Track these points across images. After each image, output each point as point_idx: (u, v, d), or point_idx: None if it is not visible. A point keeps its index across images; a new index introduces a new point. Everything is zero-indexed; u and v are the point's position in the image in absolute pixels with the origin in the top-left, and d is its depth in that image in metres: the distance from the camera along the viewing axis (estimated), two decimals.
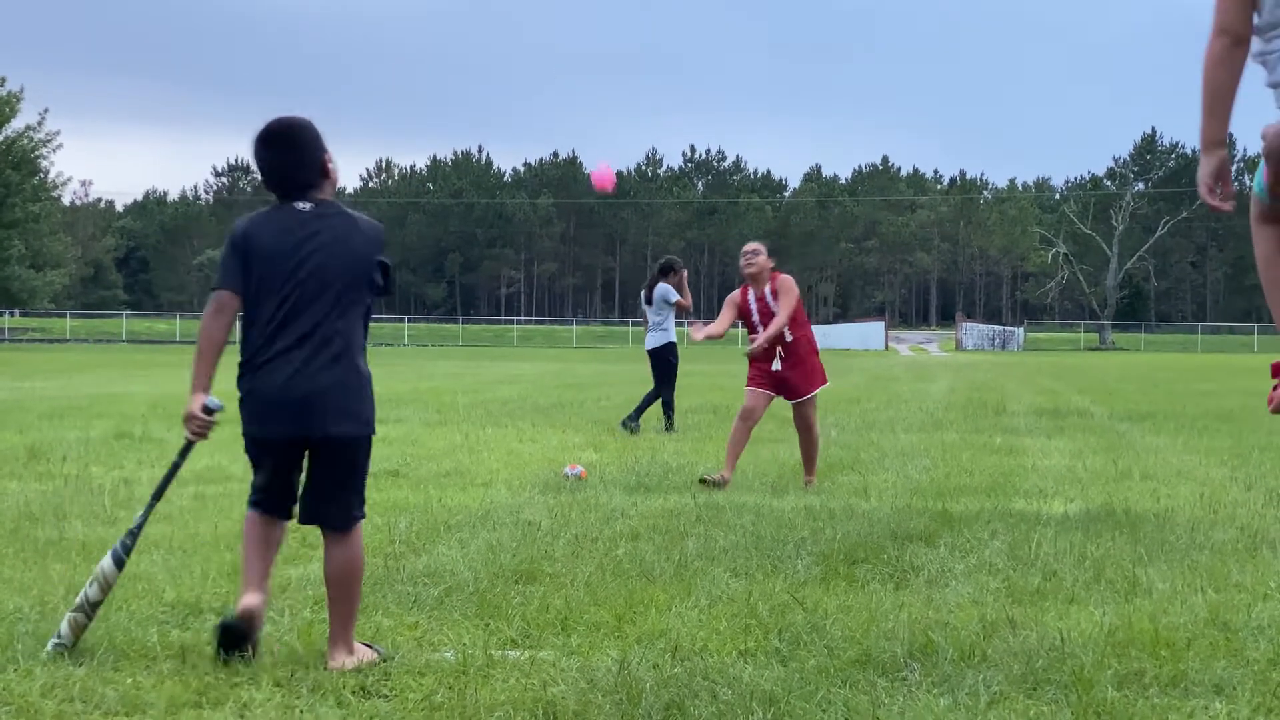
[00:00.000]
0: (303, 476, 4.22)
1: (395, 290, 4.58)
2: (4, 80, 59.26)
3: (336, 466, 4.12)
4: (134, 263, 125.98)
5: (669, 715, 3.59)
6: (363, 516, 4.24)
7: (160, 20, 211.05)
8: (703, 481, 8.39)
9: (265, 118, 4.21)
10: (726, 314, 8.89)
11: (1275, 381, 3.20)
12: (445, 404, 16.66)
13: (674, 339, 13.57)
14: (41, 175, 62.49)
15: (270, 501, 4.24)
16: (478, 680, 3.89)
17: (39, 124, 61.30)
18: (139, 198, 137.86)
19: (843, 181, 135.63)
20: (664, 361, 13.29)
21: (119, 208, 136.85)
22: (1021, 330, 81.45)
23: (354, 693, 3.80)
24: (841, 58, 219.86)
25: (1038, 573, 5.53)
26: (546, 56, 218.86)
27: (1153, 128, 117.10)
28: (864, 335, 74.14)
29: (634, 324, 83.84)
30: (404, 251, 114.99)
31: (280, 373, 4.04)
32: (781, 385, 8.74)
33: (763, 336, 8.60)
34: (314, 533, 4.46)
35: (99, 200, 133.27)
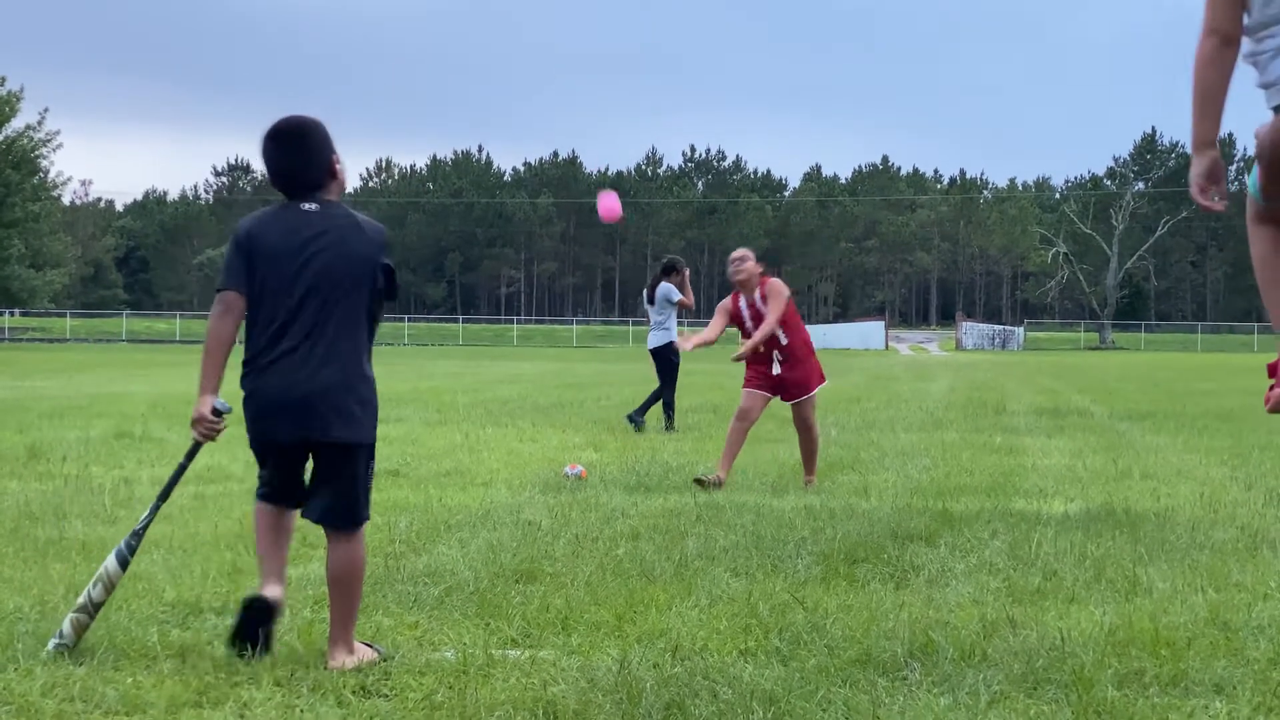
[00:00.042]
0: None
1: (397, 294, 4.54)
2: (4, 80, 59.27)
3: (338, 468, 4.12)
4: (134, 262, 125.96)
5: (669, 714, 3.59)
6: (367, 519, 4.24)
7: (160, 20, 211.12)
8: (698, 482, 8.38)
9: (265, 118, 4.22)
10: (718, 321, 8.90)
11: (1272, 381, 3.20)
12: (445, 403, 16.66)
13: (676, 338, 13.58)
14: (41, 175, 62.47)
15: (277, 494, 4.27)
16: (478, 680, 3.89)
17: (39, 123, 61.33)
18: (139, 197, 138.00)
19: (843, 181, 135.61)
20: (666, 360, 13.31)
21: (119, 207, 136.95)
22: (1021, 330, 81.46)
23: (354, 692, 3.80)
24: (841, 57, 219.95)
25: (1038, 572, 5.53)
26: (546, 56, 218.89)
27: (1153, 127, 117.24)
28: (864, 335, 74.16)
29: (634, 323, 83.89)
30: (404, 251, 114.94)
31: (282, 374, 4.04)
32: (779, 387, 8.74)
33: (749, 343, 8.61)
34: (314, 532, 4.46)
35: (99, 200, 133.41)
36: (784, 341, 8.65)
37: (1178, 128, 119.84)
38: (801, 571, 5.54)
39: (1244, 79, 3.24)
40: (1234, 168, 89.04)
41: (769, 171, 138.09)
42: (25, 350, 49.21)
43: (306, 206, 4.14)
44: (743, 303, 8.77)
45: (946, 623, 4.56)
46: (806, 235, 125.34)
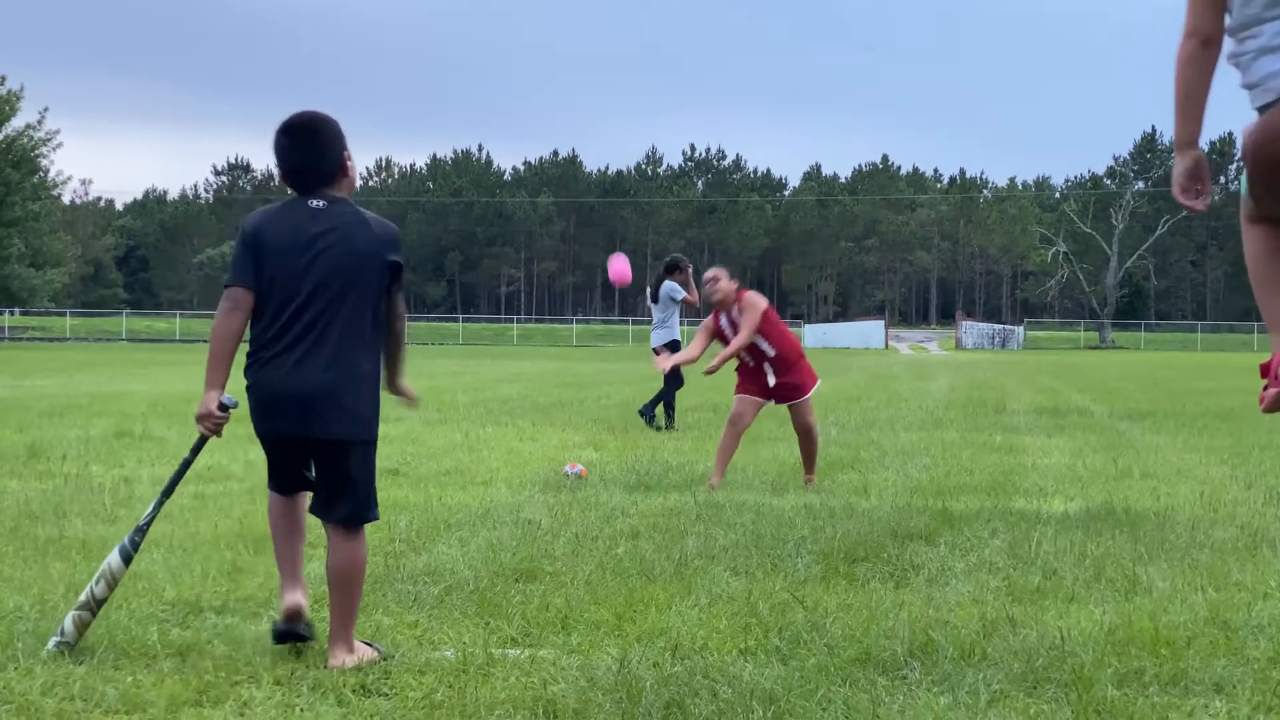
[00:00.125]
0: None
1: (402, 291, 4.52)
2: (4, 79, 59.23)
3: (336, 466, 4.12)
4: (134, 261, 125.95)
5: (669, 714, 3.59)
6: (373, 518, 4.21)
7: (160, 19, 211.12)
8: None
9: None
10: (700, 339, 8.90)
11: (1265, 382, 3.21)
12: (445, 403, 16.66)
13: (678, 336, 13.62)
14: (41, 174, 62.43)
15: (285, 486, 4.29)
16: (478, 679, 3.89)
17: (39, 123, 61.28)
18: (139, 196, 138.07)
19: (843, 180, 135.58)
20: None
21: (119, 206, 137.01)
22: (1021, 329, 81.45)
23: (354, 691, 3.80)
24: (841, 57, 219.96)
25: (1038, 571, 5.53)
26: (546, 56, 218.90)
27: (1153, 126, 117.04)
28: (864, 334, 74.20)
29: (634, 322, 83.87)
30: (404, 250, 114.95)
31: (281, 370, 4.05)
32: (774, 393, 8.73)
33: (719, 356, 8.60)
34: (314, 531, 4.46)
35: (99, 199, 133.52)
36: (771, 353, 8.63)
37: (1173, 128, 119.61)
38: (801, 570, 5.54)
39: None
40: (1234, 167, 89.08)
41: (769, 171, 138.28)
42: (25, 349, 49.21)
43: (314, 203, 4.14)
44: (724, 320, 8.76)
45: (946, 622, 4.56)
46: (806, 234, 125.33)
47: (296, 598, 4.22)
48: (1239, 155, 3.24)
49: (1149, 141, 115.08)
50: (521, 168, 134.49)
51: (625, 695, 3.69)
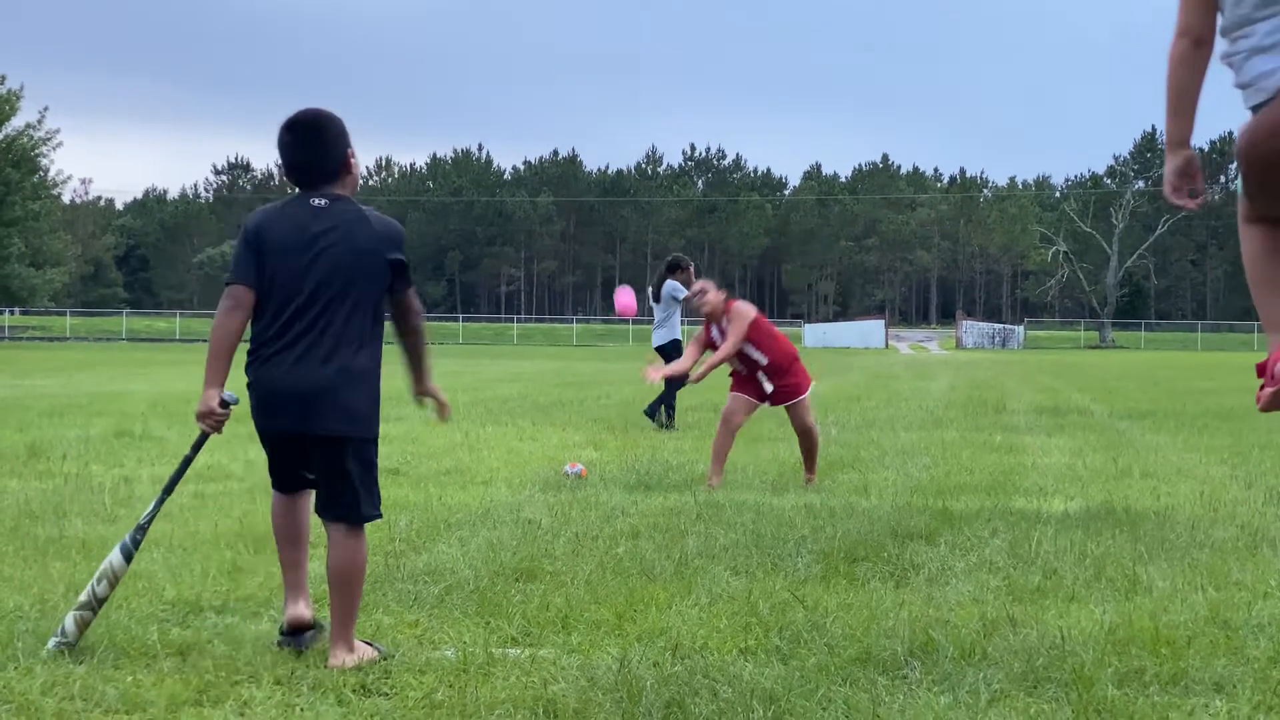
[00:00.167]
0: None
1: (413, 288, 4.49)
2: (4, 78, 59.22)
3: (334, 463, 4.12)
4: (134, 261, 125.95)
5: (669, 713, 3.59)
6: (374, 516, 4.21)
7: (160, 19, 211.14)
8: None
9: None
10: (691, 351, 8.90)
11: (1261, 381, 3.22)
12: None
13: (679, 336, 13.62)
14: (41, 173, 62.42)
15: (286, 485, 4.30)
16: (478, 678, 3.89)
17: (39, 122, 61.27)
18: (139, 196, 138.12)
19: (843, 180, 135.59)
20: (670, 358, 13.32)
21: (119, 206, 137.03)
22: (1021, 328, 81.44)
23: (354, 691, 3.80)
24: (842, 56, 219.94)
25: (1038, 571, 5.53)
26: (546, 56, 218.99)
27: (1153, 126, 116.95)
28: (864, 333, 74.18)
29: (634, 322, 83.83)
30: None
31: (281, 367, 4.06)
32: (769, 397, 8.72)
33: (706, 364, 8.60)
34: (315, 531, 4.46)
35: (99, 198, 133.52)
36: (764, 361, 8.62)
37: None
38: (801, 570, 5.54)
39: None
40: (1234, 166, 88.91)
41: (769, 170, 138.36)
42: (25, 349, 49.22)
43: (316, 201, 4.15)
44: (714, 331, 8.76)
45: (946, 621, 4.56)
46: (806, 234, 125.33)
47: (299, 610, 4.23)
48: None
49: (1149, 141, 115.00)
50: (521, 167, 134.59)
51: (625, 695, 3.69)
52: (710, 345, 8.81)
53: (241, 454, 9.65)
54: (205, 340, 4.29)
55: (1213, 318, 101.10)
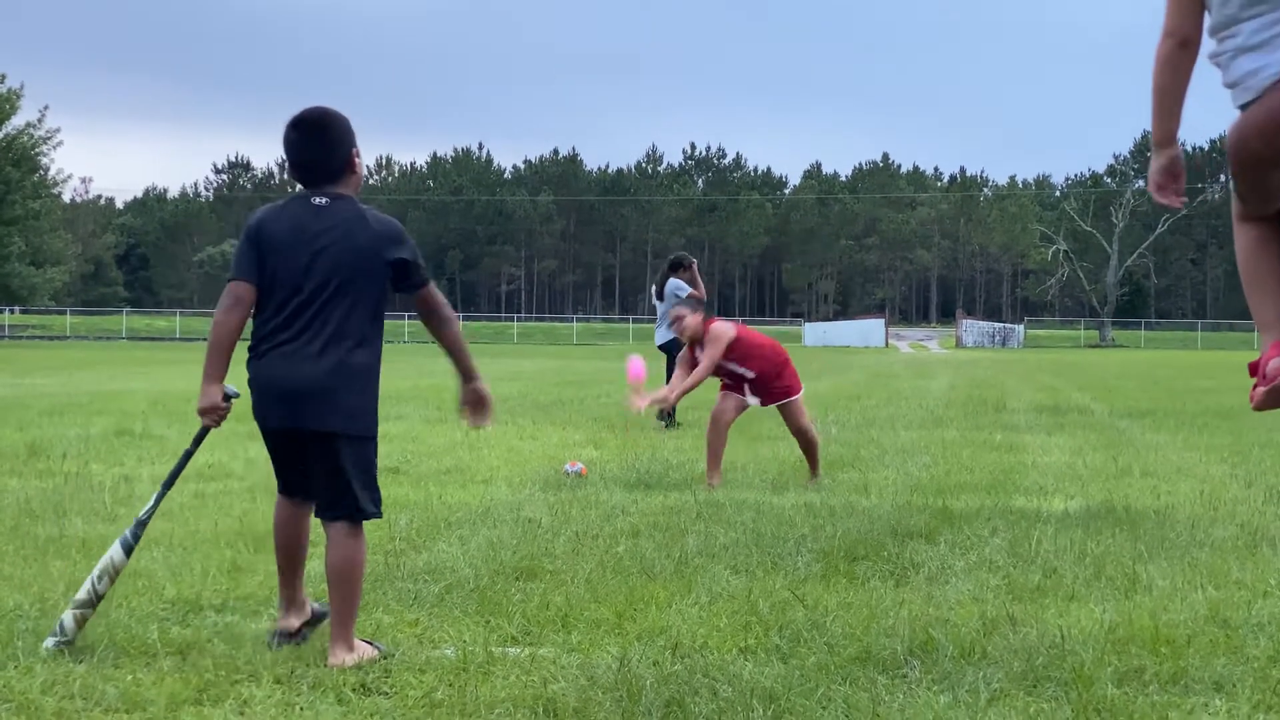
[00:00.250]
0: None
1: (419, 285, 4.44)
2: (4, 77, 59.25)
3: (330, 460, 4.12)
4: (134, 260, 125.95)
5: (669, 712, 3.59)
6: (373, 515, 4.21)
7: (160, 18, 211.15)
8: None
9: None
10: (679, 374, 8.89)
11: (1255, 380, 3.22)
12: (446, 401, 16.65)
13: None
14: (42, 172, 62.46)
15: (286, 484, 4.31)
16: (478, 677, 3.89)
17: (39, 121, 61.32)
18: (139, 195, 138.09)
19: (843, 179, 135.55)
20: (673, 355, 13.33)
21: (119, 205, 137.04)
22: (1021, 327, 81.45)
23: (354, 690, 3.80)
24: (842, 55, 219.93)
25: (1038, 570, 5.52)
26: (546, 56, 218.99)
27: None
28: (864, 332, 74.17)
29: (634, 321, 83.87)
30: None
31: (276, 363, 4.09)
32: (761, 401, 8.73)
33: (679, 390, 8.59)
34: (314, 531, 4.46)
35: (99, 197, 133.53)
36: (750, 375, 8.61)
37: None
38: (801, 569, 5.54)
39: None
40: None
41: (769, 169, 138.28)
42: (25, 348, 49.22)
43: (317, 200, 4.17)
44: (699, 353, 8.74)
45: (946, 620, 4.55)
46: (807, 233, 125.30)
47: (289, 622, 4.30)
48: None
49: (1149, 140, 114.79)
50: (522, 166, 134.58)
51: (625, 694, 3.69)
52: (695, 366, 8.79)
53: (242, 452, 9.65)
54: (205, 339, 4.30)
55: (1213, 317, 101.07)
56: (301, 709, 3.65)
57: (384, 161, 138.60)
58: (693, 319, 8.67)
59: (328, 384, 4.05)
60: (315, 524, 4.33)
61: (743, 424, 10.68)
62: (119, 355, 39.50)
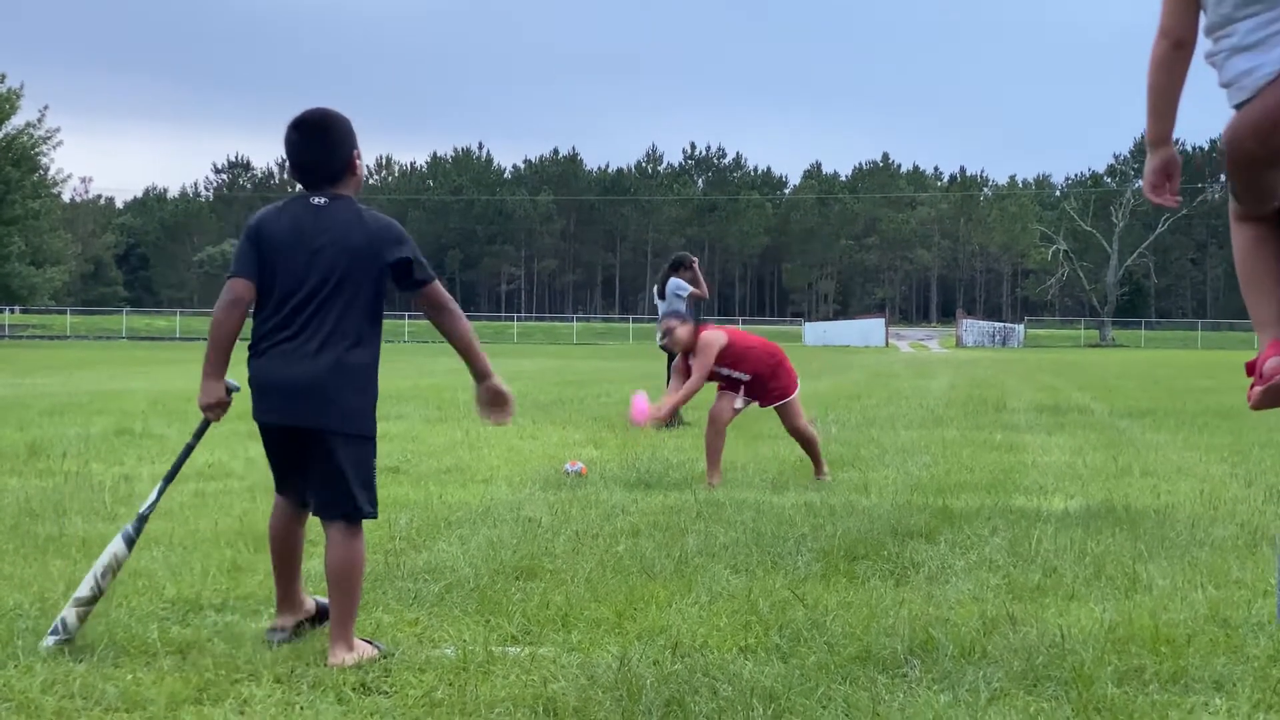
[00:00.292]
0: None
1: (420, 285, 4.42)
2: (4, 77, 59.18)
3: (326, 459, 4.12)
4: (134, 259, 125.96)
5: (669, 711, 3.59)
6: (369, 515, 4.21)
7: (160, 18, 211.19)
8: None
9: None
10: (674, 384, 8.91)
11: (1252, 380, 3.23)
12: (446, 400, 16.66)
13: None
14: (41, 172, 62.41)
15: (283, 484, 4.32)
16: (478, 676, 3.89)
17: (39, 121, 61.24)
18: (139, 194, 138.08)
19: (843, 178, 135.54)
20: (673, 357, 13.33)
21: (119, 204, 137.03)
22: (1022, 327, 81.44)
23: (354, 689, 3.80)
24: (842, 55, 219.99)
25: (1038, 569, 5.52)
26: (546, 55, 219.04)
27: None
28: (864, 332, 74.17)
29: (634, 320, 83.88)
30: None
31: (274, 362, 4.12)
32: (752, 399, 8.73)
33: (670, 405, 8.62)
34: (314, 530, 4.46)
35: (99, 197, 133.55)
36: (746, 378, 8.62)
37: (1178, 125, 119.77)
38: (801, 568, 5.54)
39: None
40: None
41: (769, 169, 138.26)
42: (25, 347, 49.23)
43: (316, 201, 4.19)
44: (692, 360, 8.74)
45: (946, 620, 4.55)
46: (807, 232, 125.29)
47: (284, 622, 4.33)
48: None
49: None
50: (522, 166, 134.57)
51: (625, 693, 3.69)
52: (689, 374, 8.79)
53: (242, 451, 9.66)
54: (205, 338, 4.31)
55: (1213, 316, 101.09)
56: (301, 708, 3.65)
57: (384, 161, 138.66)
58: (683, 329, 8.66)
59: (325, 382, 4.07)
60: (314, 523, 4.33)
61: (743, 424, 10.69)
62: (119, 355, 39.51)
